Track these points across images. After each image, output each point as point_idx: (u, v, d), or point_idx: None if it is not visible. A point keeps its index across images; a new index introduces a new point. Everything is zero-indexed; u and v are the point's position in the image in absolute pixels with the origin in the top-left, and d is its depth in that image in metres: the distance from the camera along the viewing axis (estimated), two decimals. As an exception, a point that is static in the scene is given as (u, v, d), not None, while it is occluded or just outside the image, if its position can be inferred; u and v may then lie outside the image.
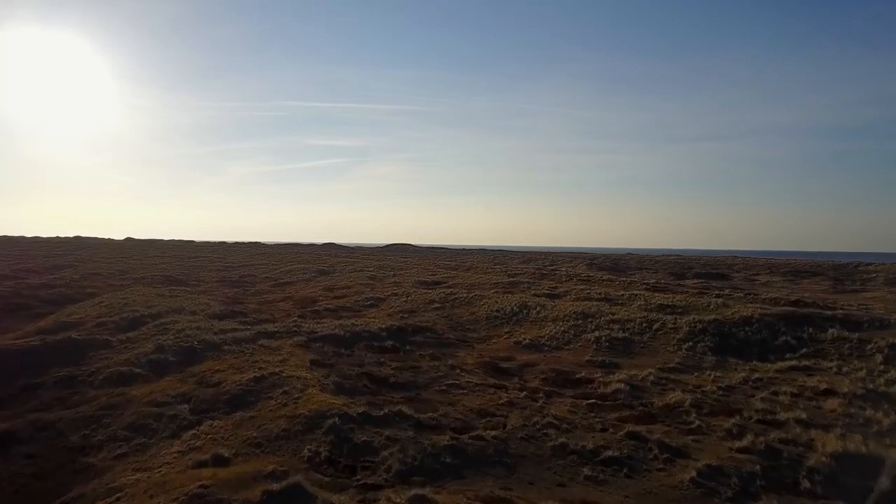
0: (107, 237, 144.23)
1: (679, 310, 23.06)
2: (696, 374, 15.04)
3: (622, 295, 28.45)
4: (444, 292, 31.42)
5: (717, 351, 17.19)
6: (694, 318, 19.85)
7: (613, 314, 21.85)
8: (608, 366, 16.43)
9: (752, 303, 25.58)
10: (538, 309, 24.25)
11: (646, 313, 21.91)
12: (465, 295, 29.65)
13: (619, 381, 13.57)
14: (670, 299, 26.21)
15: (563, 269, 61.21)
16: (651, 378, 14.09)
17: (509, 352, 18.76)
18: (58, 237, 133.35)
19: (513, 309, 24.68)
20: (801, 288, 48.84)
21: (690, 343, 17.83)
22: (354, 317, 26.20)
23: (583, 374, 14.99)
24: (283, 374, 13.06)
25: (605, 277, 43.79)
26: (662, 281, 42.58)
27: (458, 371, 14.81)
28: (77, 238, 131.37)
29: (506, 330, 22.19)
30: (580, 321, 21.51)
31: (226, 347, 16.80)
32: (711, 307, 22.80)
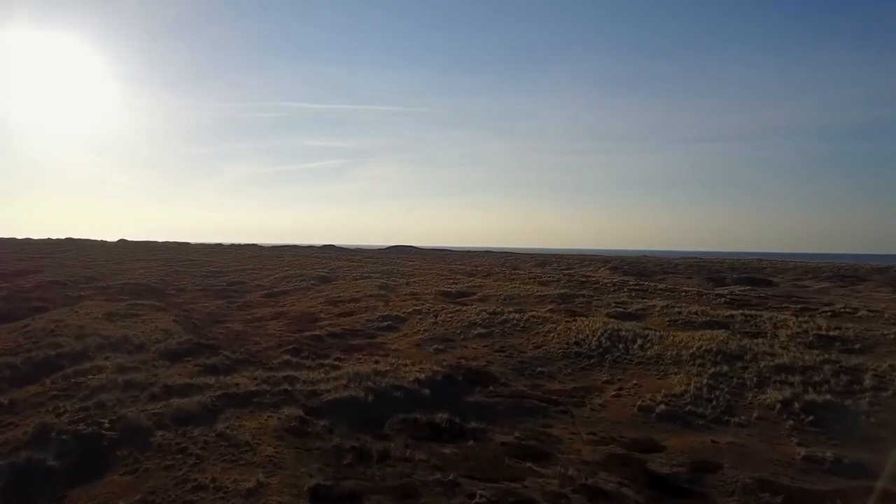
0: (100, 239, 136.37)
1: (857, 346, 15.64)
2: None
3: (731, 317, 20.97)
4: (483, 310, 23.93)
5: None
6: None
7: (773, 355, 14.34)
8: (851, 472, 9.01)
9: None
10: (640, 342, 16.75)
11: (822, 355, 14.43)
12: (515, 316, 22.14)
13: None
14: (809, 324, 18.80)
15: (594, 275, 53.84)
16: None
17: (639, 428, 11.26)
18: (49, 238, 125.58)
19: (599, 341, 17.18)
20: (866, 296, 41.79)
21: (973, 423, 10.40)
22: (370, 348, 18.73)
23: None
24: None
25: (662, 288, 36.31)
26: (738, 291, 35.13)
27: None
28: (68, 240, 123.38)
29: (604, 378, 14.68)
30: (723, 366, 14.02)
31: (157, 436, 9.27)
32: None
